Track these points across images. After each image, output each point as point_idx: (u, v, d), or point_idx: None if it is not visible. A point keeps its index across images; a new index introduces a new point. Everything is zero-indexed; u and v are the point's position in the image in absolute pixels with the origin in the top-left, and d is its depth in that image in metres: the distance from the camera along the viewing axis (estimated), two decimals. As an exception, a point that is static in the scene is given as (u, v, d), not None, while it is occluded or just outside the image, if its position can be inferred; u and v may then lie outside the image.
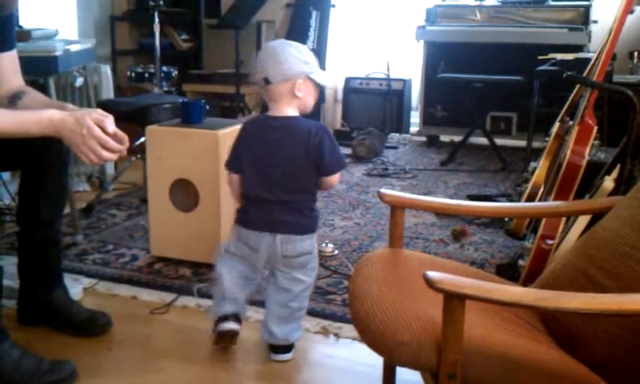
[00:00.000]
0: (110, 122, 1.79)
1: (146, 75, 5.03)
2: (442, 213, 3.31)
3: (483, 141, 5.08)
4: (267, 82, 1.96)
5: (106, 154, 1.77)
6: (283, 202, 1.99)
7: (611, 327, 1.38)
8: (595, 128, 2.11)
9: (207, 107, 2.81)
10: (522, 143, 4.81)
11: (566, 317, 1.49)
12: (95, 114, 1.77)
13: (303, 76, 1.96)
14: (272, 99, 2.00)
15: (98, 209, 3.49)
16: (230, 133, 2.71)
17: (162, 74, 4.90)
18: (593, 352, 1.41)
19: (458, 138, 5.18)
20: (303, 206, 2.03)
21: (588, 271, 1.56)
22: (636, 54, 4.47)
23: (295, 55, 1.96)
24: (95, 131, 1.75)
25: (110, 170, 4.02)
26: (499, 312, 1.50)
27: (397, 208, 1.75)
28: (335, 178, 2.03)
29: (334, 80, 2.22)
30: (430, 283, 1.19)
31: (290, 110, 2.00)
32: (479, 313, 1.43)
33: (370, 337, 1.37)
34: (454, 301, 1.19)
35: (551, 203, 2.07)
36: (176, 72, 5.23)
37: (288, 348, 2.14)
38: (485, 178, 4.41)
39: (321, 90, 2.08)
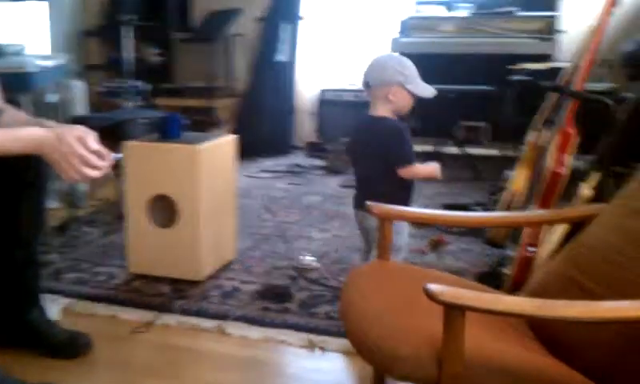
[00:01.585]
0: (92, 138, 1.75)
1: (118, 90, 4.95)
2: (428, 224, 3.31)
3: (455, 150, 5.11)
4: (367, 85, 2.29)
5: (88, 171, 1.73)
6: (367, 182, 2.34)
7: (605, 334, 1.39)
8: (576, 137, 2.13)
9: (185, 122, 2.78)
10: (494, 152, 4.86)
11: (559, 324, 1.49)
12: (77, 131, 1.72)
13: (397, 84, 2.23)
14: (372, 100, 2.31)
15: (72, 227, 3.42)
16: (209, 147, 2.68)
17: (134, 89, 4.84)
18: (585, 358, 1.41)
19: (430, 148, 5.20)
20: (382, 188, 2.25)
21: (577, 279, 1.57)
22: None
23: (394, 66, 2.26)
24: (77, 148, 1.70)
25: (82, 186, 3.94)
26: (489, 321, 1.50)
27: (385, 220, 1.75)
28: (405, 171, 2.24)
29: (430, 91, 2.34)
30: (430, 296, 1.18)
31: (384, 111, 2.28)
32: (472, 323, 1.43)
33: (368, 352, 1.35)
34: (454, 313, 1.18)
35: (537, 212, 2.08)
36: (148, 86, 5.17)
37: None
38: (459, 187, 4.43)
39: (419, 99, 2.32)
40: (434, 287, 1.19)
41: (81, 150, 1.71)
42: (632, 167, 3.51)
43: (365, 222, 2.33)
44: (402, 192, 2.30)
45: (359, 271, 1.69)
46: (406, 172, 2.24)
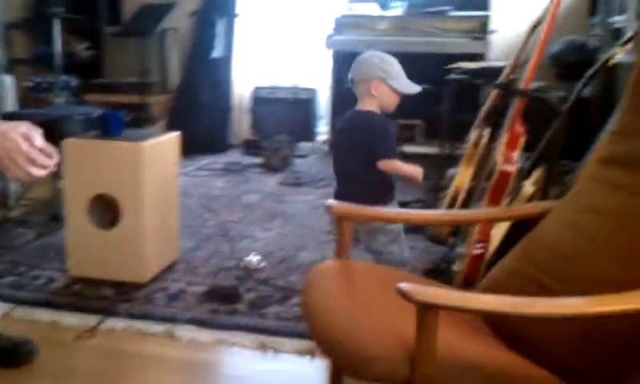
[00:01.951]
0: (38, 135, 1.67)
1: (44, 85, 4.76)
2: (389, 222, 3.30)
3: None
4: (352, 81, 2.35)
5: (34, 170, 1.65)
6: (350, 176, 2.34)
7: (562, 329, 1.42)
8: (524, 134, 2.18)
9: (126, 118, 2.69)
10: (429, 150, 4.92)
11: (518, 321, 1.51)
12: (22, 128, 1.64)
13: (378, 79, 2.27)
14: (358, 96, 2.35)
15: (4, 228, 3.27)
16: (153, 145, 2.61)
17: (63, 84, 4.68)
18: (546, 354, 1.44)
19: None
20: (364, 180, 2.28)
21: (534, 276, 1.60)
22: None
23: (375, 62, 2.31)
24: (22, 145, 1.62)
25: (13, 186, 3.78)
26: (450, 318, 1.51)
27: (343, 219, 1.74)
28: (384, 164, 2.24)
29: (415, 88, 2.37)
30: (404, 295, 1.17)
31: (369, 106, 2.31)
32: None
33: (336, 353, 1.34)
34: (427, 312, 1.18)
35: (488, 210, 2.12)
36: (77, 81, 5.00)
37: None
38: (397, 184, 4.46)
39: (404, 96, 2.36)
40: (407, 287, 1.18)
41: (26, 147, 1.63)
42: (569, 165, 3.63)
43: None
44: (384, 188, 2.32)
45: (319, 271, 1.67)
46: (385, 165, 2.24)
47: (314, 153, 5.47)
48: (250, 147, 5.34)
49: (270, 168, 4.75)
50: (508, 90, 2.25)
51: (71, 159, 2.60)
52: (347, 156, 2.35)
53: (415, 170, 2.30)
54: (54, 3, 4.69)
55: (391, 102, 2.34)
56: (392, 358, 1.25)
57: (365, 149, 2.26)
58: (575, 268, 1.52)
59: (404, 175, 2.31)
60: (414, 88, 2.36)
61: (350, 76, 2.36)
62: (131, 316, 2.39)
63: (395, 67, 2.33)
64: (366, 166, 2.26)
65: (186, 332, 2.29)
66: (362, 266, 1.80)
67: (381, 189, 2.31)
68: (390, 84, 2.29)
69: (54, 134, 2.92)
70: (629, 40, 2.64)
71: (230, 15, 5.50)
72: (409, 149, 5.07)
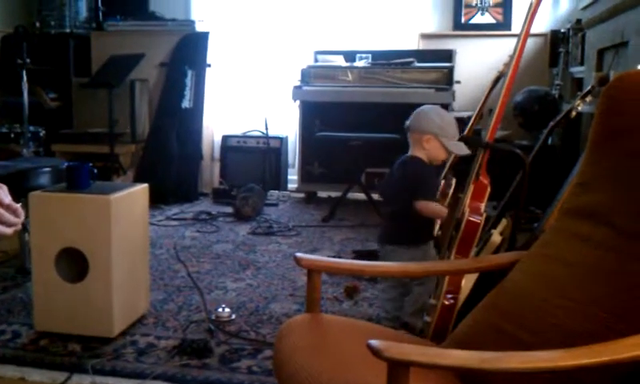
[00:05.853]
0: (4, 192, 1.65)
1: (12, 135, 4.73)
2: (358, 275, 3.31)
3: (359, 196, 5.22)
4: (408, 128, 2.52)
5: (1, 227, 1.63)
6: (393, 219, 2.55)
7: (536, 382, 1.43)
8: (489, 186, 2.22)
9: (95, 171, 2.68)
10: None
11: (491, 375, 1.52)
12: (-12, 186, 1.62)
13: (432, 134, 2.45)
14: (410, 143, 2.54)
15: (-33, 282, 3.21)
16: (122, 197, 2.60)
17: (30, 134, 4.64)
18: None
19: (334, 194, 5.29)
20: (406, 220, 2.46)
21: (504, 327, 1.61)
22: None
23: (433, 118, 2.47)
24: (-11, 204, 1.60)
25: (-24, 238, 3.72)
26: (420, 372, 1.51)
27: (314, 272, 1.74)
28: (421, 205, 2.41)
29: (463, 150, 2.51)
30: (375, 352, 1.18)
31: (418, 154, 2.51)
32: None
33: (309, 410, 1.33)
34: (399, 369, 1.19)
35: (458, 261, 2.14)
36: (44, 132, 4.97)
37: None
38: (366, 232, 4.50)
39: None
40: (377, 343, 1.18)
41: None
42: (535, 213, 3.69)
43: (389, 258, 2.47)
44: (424, 228, 2.50)
45: (290, 325, 1.67)
46: (421, 205, 2.41)
47: (285, 201, 5.49)
48: (220, 196, 5.34)
49: (240, 217, 4.74)
50: (471, 143, 2.31)
51: (38, 212, 2.57)
52: (393, 198, 2.56)
53: (441, 210, 2.46)
54: (21, 54, 4.69)
55: (439, 156, 2.51)
56: (364, 415, 1.25)
57: (408, 191, 2.44)
58: (546, 319, 1.53)
59: (432, 213, 2.47)
60: (464, 150, 2.48)
61: (406, 123, 2.53)
62: (99, 372, 2.34)
63: (452, 127, 2.49)
64: (409, 209, 2.43)
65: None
66: (333, 319, 1.80)
67: (421, 228, 2.49)
68: (442, 141, 2.45)
69: (21, 186, 2.90)
70: (588, 92, 2.72)
71: (201, 66, 5.55)
72: (377, 196, 5.12)
